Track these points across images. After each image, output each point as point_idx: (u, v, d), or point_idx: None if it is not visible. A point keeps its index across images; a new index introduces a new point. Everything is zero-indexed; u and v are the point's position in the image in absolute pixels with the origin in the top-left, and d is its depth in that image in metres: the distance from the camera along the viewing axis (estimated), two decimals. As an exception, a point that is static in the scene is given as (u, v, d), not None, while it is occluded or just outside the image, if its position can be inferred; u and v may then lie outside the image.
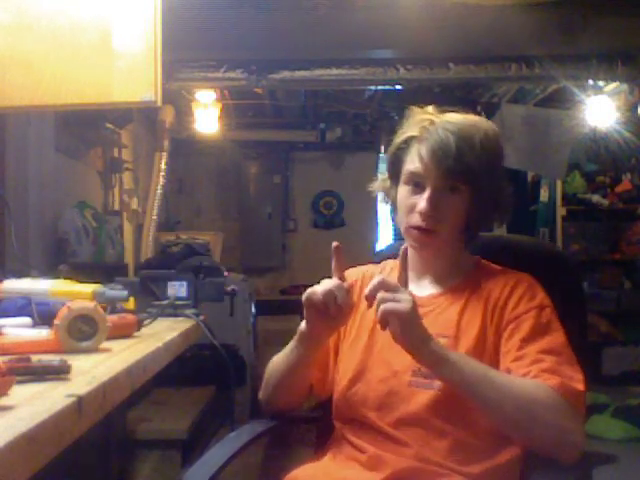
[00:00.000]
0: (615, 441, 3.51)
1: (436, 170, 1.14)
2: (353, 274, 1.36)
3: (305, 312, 1.14)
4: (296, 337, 1.21)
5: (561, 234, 5.27)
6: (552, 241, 5.29)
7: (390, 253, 1.39)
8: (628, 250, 5.30)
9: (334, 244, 1.14)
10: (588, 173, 5.38)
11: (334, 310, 1.11)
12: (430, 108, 1.22)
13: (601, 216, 5.34)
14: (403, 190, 1.20)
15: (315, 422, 1.42)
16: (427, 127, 1.17)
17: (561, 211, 5.27)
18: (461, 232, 1.20)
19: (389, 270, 1.33)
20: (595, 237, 5.33)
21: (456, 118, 1.18)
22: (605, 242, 5.34)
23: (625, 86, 3.88)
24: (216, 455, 1.18)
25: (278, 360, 1.28)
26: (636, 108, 4.05)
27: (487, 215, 1.22)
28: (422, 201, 1.15)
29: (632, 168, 5.33)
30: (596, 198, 5.29)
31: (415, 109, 1.23)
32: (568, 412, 1.03)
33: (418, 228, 1.17)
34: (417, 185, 1.18)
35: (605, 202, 5.29)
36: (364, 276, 1.33)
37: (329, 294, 1.10)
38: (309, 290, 1.12)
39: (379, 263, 1.38)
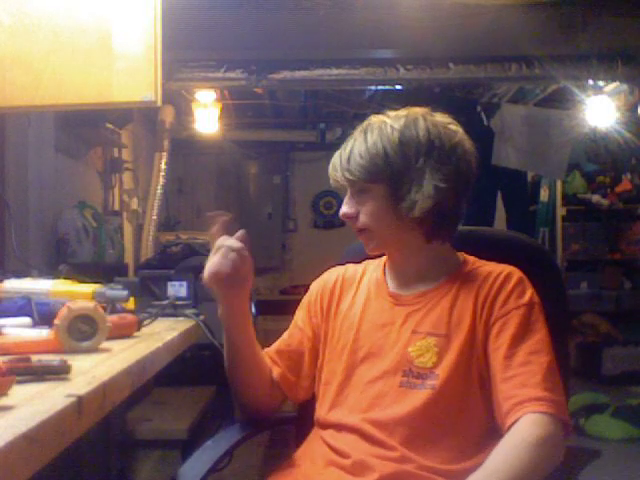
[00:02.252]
0: (615, 441, 3.51)
1: (340, 176, 1.20)
2: (333, 274, 1.35)
3: (215, 289, 1.17)
4: (223, 327, 1.23)
5: (561, 234, 5.28)
6: (552, 241, 5.30)
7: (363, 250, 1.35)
8: (628, 250, 5.31)
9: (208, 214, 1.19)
10: (588, 173, 5.38)
11: (236, 262, 1.13)
12: (389, 113, 1.23)
13: (601, 216, 5.34)
14: None
15: (292, 423, 1.40)
16: (348, 139, 1.22)
17: (561, 211, 5.27)
18: (401, 228, 1.18)
19: (371, 271, 1.32)
20: (595, 237, 5.33)
21: (376, 121, 1.20)
22: (605, 242, 5.35)
23: (625, 86, 3.88)
24: (195, 467, 1.16)
25: (225, 361, 1.27)
26: (636, 108, 4.05)
27: (412, 210, 1.16)
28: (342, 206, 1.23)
29: (632, 168, 5.34)
30: (596, 198, 5.29)
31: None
32: (556, 435, 1.03)
33: (354, 230, 1.23)
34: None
35: (605, 202, 5.29)
36: (344, 278, 1.32)
37: (227, 258, 1.13)
38: (210, 272, 1.14)
39: (358, 262, 1.36)
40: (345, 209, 1.21)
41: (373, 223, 1.19)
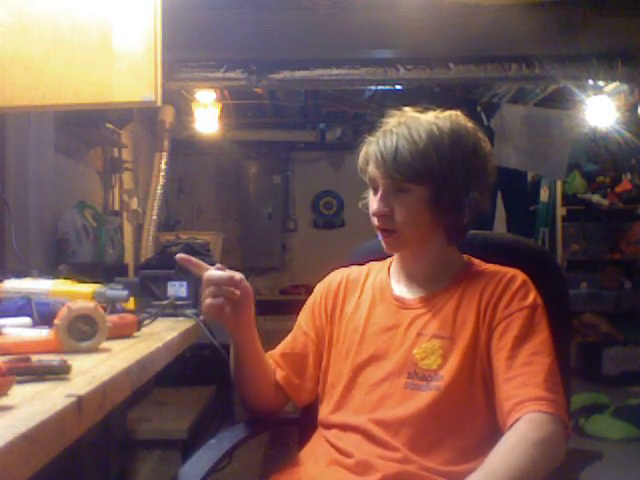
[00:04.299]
0: (615, 441, 3.51)
1: (380, 173, 1.16)
2: (336, 276, 1.35)
3: (217, 320, 1.14)
4: (231, 341, 1.22)
5: (561, 234, 5.27)
6: (552, 241, 5.30)
7: (370, 251, 1.36)
8: (628, 250, 5.30)
9: (179, 257, 1.16)
10: (588, 173, 5.38)
11: (234, 295, 1.11)
12: (407, 110, 1.21)
13: (601, 216, 5.34)
14: (369, 195, 1.23)
15: (294, 424, 1.41)
16: (383, 131, 1.19)
17: (561, 211, 5.27)
18: (432, 231, 1.19)
19: (375, 272, 1.32)
20: (595, 237, 5.33)
21: (416, 120, 1.17)
22: (605, 242, 5.34)
23: (625, 86, 3.88)
24: (196, 467, 1.16)
25: (231, 367, 1.27)
26: (636, 108, 4.05)
27: (453, 215, 1.17)
28: (374, 203, 1.19)
29: (632, 168, 5.33)
30: (596, 198, 5.29)
31: (393, 112, 1.22)
32: (556, 435, 1.02)
33: (379, 229, 1.20)
34: (375, 189, 1.20)
35: (605, 202, 5.29)
36: (348, 280, 1.32)
37: (221, 290, 1.10)
38: (210, 305, 1.11)
39: (363, 264, 1.36)
40: (380, 207, 1.17)
41: (408, 224, 1.17)
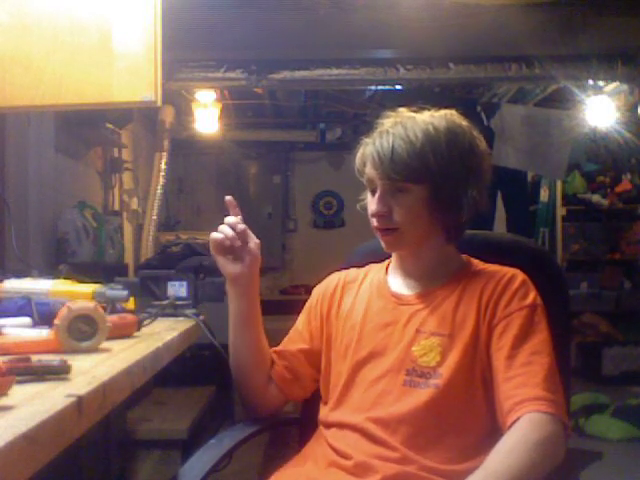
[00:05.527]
0: (615, 441, 3.51)
1: (378, 173, 1.17)
2: (334, 278, 1.36)
3: (216, 260, 1.25)
4: (229, 309, 1.28)
5: (561, 234, 5.28)
6: (552, 241, 5.30)
7: (370, 252, 1.36)
8: (628, 250, 5.31)
9: (227, 199, 1.28)
10: (588, 173, 5.38)
11: (236, 241, 1.22)
12: (402, 110, 1.22)
13: (601, 216, 5.34)
14: (367, 196, 1.24)
15: (294, 424, 1.41)
16: (379, 131, 1.19)
17: (561, 211, 5.27)
18: (431, 230, 1.20)
19: (374, 273, 1.32)
20: (595, 237, 5.33)
21: (412, 119, 1.18)
22: (605, 242, 5.35)
23: (625, 86, 3.88)
24: (196, 467, 1.15)
25: (229, 339, 1.31)
26: (636, 108, 4.05)
27: (452, 214, 1.18)
28: (373, 204, 1.19)
29: (632, 168, 5.33)
30: (596, 198, 5.29)
31: (388, 113, 1.23)
32: (556, 435, 1.02)
33: (378, 229, 1.20)
34: (373, 189, 1.21)
35: (605, 202, 5.30)
36: (345, 281, 1.33)
37: (227, 228, 1.23)
38: (212, 237, 1.23)
39: (363, 265, 1.37)
40: (379, 207, 1.18)
41: (407, 223, 1.17)
